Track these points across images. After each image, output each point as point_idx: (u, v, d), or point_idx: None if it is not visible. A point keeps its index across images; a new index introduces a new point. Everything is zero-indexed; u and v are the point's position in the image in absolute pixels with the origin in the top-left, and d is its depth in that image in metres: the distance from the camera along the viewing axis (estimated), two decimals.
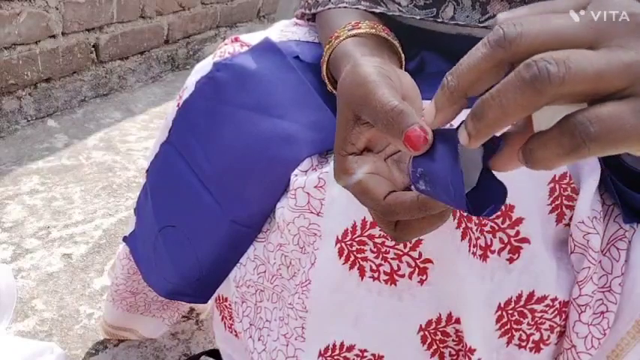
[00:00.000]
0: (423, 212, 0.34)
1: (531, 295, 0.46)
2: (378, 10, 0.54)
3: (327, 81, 0.53)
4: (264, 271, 0.56)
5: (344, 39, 0.49)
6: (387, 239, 0.46)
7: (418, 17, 0.54)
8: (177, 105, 0.61)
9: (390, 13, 0.54)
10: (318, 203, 0.48)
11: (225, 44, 0.62)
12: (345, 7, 0.55)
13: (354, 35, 0.49)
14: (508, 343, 0.47)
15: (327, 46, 0.50)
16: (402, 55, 0.51)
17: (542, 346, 0.48)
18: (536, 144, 0.25)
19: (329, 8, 0.56)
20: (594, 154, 0.24)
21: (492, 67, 0.26)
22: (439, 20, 0.54)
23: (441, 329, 0.48)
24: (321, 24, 0.57)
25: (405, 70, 0.57)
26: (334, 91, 0.53)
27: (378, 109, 0.34)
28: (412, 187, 0.34)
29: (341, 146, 0.38)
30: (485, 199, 0.32)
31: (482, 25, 0.52)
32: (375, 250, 0.46)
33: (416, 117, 0.32)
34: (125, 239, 0.71)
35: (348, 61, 0.45)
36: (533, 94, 0.24)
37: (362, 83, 0.37)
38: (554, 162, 0.25)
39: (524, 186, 0.45)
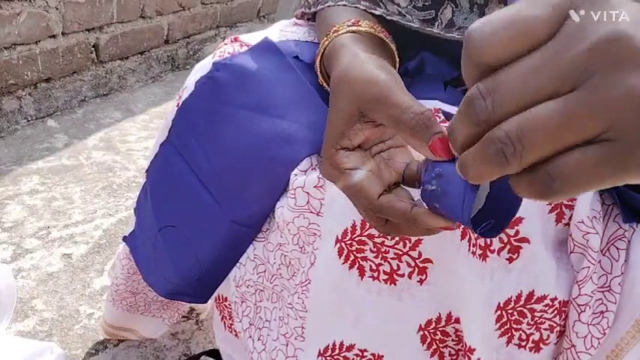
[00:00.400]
0: (411, 224, 0.35)
1: (531, 294, 0.46)
2: (377, 12, 0.54)
3: (318, 73, 0.52)
4: (264, 271, 0.56)
5: (343, 33, 0.48)
6: (387, 239, 0.46)
7: (415, 26, 0.54)
8: (177, 105, 0.61)
9: (389, 18, 0.54)
10: (318, 203, 0.48)
11: (225, 44, 0.62)
12: (344, 4, 0.55)
13: (353, 31, 0.49)
14: (508, 342, 0.47)
15: (325, 39, 0.50)
16: (397, 59, 0.51)
17: (541, 345, 0.48)
18: (513, 182, 0.25)
19: (329, 6, 0.56)
20: (564, 199, 0.24)
21: (475, 137, 0.26)
22: (435, 31, 0.53)
23: (440, 329, 0.48)
24: (319, 21, 0.57)
25: (405, 70, 0.57)
26: (325, 84, 0.53)
27: (403, 110, 0.35)
28: (421, 188, 0.34)
29: (336, 140, 0.39)
30: (488, 218, 0.33)
31: None
32: (374, 249, 0.46)
33: (440, 126, 0.33)
34: (125, 239, 0.71)
35: (345, 53, 0.45)
36: (475, 126, 0.25)
37: (374, 82, 0.37)
38: (481, 177, 0.26)
39: None
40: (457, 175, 0.31)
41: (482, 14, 0.52)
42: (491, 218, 0.33)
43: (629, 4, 0.24)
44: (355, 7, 0.54)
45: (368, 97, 0.37)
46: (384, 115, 0.36)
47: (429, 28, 0.54)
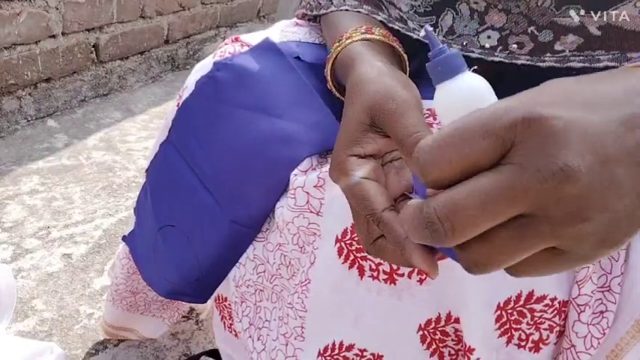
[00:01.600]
0: (398, 251, 0.35)
1: (531, 294, 0.46)
2: (379, 17, 0.54)
3: (328, 78, 0.52)
4: (264, 271, 0.56)
5: (356, 40, 0.48)
6: None
7: (415, 36, 0.54)
8: (178, 104, 0.61)
9: (391, 25, 0.54)
10: (318, 203, 0.48)
11: (226, 44, 0.62)
12: (346, 9, 0.55)
13: (367, 39, 0.49)
14: (507, 342, 0.47)
15: (336, 44, 0.49)
16: (408, 68, 0.51)
17: (541, 345, 0.48)
18: (402, 216, 0.27)
19: (331, 11, 0.56)
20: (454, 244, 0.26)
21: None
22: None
23: (440, 329, 0.48)
24: (326, 26, 0.57)
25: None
26: (333, 89, 0.53)
27: (408, 134, 0.35)
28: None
29: (347, 146, 0.39)
30: None
31: (477, 51, 0.52)
32: None
33: None
34: (124, 239, 0.71)
35: (362, 62, 0.45)
36: (432, 242, 0.26)
37: (392, 97, 0.37)
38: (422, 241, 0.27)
39: None
40: None
41: (482, 22, 0.52)
42: None
43: (576, 110, 0.25)
44: (358, 11, 0.54)
45: (383, 110, 0.37)
46: (391, 132, 0.36)
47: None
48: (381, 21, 0.55)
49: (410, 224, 0.26)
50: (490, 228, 0.25)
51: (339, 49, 0.49)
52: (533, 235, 0.25)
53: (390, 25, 0.54)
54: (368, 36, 0.49)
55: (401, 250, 0.35)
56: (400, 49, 0.51)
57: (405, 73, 0.51)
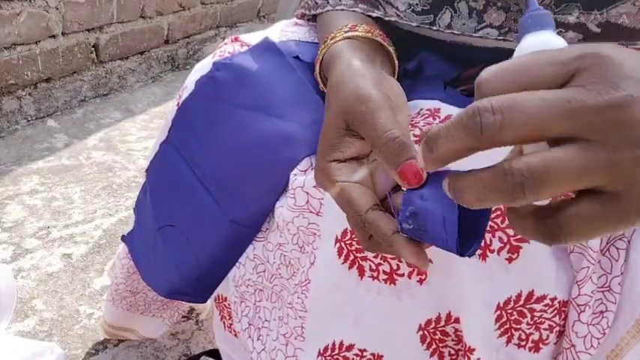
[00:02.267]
0: (391, 250, 0.35)
1: (531, 294, 0.46)
2: (375, 14, 0.54)
3: (319, 80, 0.53)
4: (264, 271, 0.56)
5: (339, 40, 0.48)
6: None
7: (414, 24, 0.54)
8: (177, 104, 0.61)
9: (387, 18, 0.54)
10: (318, 203, 0.48)
11: (225, 44, 0.62)
12: (342, 9, 0.55)
13: (349, 37, 0.49)
14: (507, 342, 0.47)
15: (322, 47, 0.50)
16: (397, 62, 0.51)
17: (541, 345, 0.48)
18: (465, 185, 0.26)
19: (327, 10, 0.56)
20: (532, 201, 0.25)
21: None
22: (434, 28, 0.53)
23: (440, 329, 0.48)
24: (319, 26, 0.57)
25: (404, 70, 0.57)
26: (325, 91, 0.53)
27: (378, 135, 0.35)
28: (398, 226, 0.35)
29: (327, 152, 0.39)
30: (466, 237, 0.33)
31: (477, 35, 0.52)
32: None
33: (414, 151, 0.33)
34: (124, 238, 0.71)
35: (340, 63, 0.45)
36: (473, 140, 0.25)
37: (363, 100, 0.37)
38: (485, 203, 0.26)
39: None
40: (434, 211, 0.32)
41: (480, 20, 0.52)
42: (467, 232, 0.33)
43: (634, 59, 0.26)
44: (353, 10, 0.54)
45: (355, 113, 0.37)
46: (364, 134, 0.37)
47: (427, 27, 0.54)
48: (377, 17, 0.54)
49: (485, 181, 0.25)
50: (537, 139, 0.25)
51: (323, 51, 0.49)
52: (590, 157, 0.24)
53: (387, 18, 0.54)
54: (350, 34, 0.49)
55: (389, 246, 0.35)
56: (387, 44, 0.50)
57: (394, 68, 0.51)
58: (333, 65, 0.46)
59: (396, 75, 0.51)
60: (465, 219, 0.32)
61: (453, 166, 0.29)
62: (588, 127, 0.24)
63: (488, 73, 0.26)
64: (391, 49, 0.50)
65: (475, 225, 0.33)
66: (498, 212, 0.44)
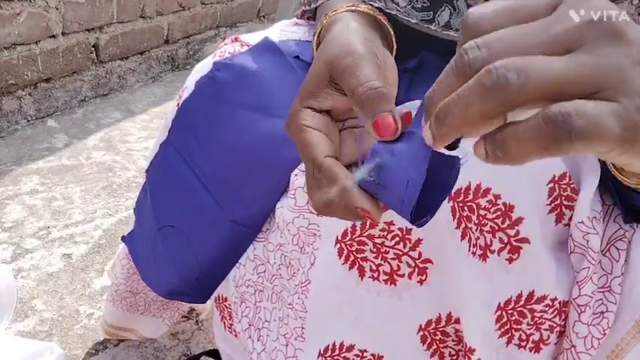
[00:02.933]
0: (342, 197, 0.34)
1: (531, 295, 0.46)
2: (376, 5, 0.54)
3: (315, 53, 0.52)
4: (264, 271, 0.56)
5: (340, 12, 0.48)
6: (387, 239, 0.46)
7: (414, 20, 0.54)
8: (177, 105, 0.61)
9: (387, 11, 0.54)
10: None
11: (226, 44, 0.62)
12: None
13: (351, 11, 0.48)
14: (508, 343, 0.47)
15: (323, 19, 0.49)
16: (395, 44, 0.51)
17: (541, 346, 0.48)
18: (511, 134, 0.24)
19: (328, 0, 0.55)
20: (575, 151, 0.23)
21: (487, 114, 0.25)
22: (433, 27, 0.53)
23: (440, 329, 0.48)
24: (319, 14, 0.56)
25: (405, 68, 0.57)
26: None
27: (359, 83, 0.34)
28: (355, 178, 0.33)
29: (304, 98, 0.38)
30: (421, 207, 0.31)
31: None
32: (374, 250, 0.46)
33: (393, 105, 0.33)
34: (124, 239, 0.71)
35: (338, 24, 0.44)
36: (493, 101, 0.24)
37: (350, 53, 0.37)
38: (529, 155, 0.24)
39: (523, 186, 0.45)
40: (400, 170, 0.30)
41: None
42: (423, 202, 0.31)
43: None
44: None
45: (340, 65, 0.37)
46: (345, 85, 0.36)
47: (426, 25, 0.54)
48: (378, 7, 0.54)
49: (470, 85, 0.25)
50: None
51: (324, 21, 0.48)
52: (574, 64, 0.24)
53: (388, 11, 0.54)
54: (352, 8, 0.48)
55: (343, 194, 0.33)
56: (387, 25, 0.50)
57: (392, 50, 0.50)
58: (331, 28, 0.45)
59: (393, 56, 0.51)
60: (426, 188, 0.31)
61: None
62: (567, 41, 0.24)
63: (479, 13, 0.26)
64: (391, 30, 0.50)
65: (433, 197, 0.32)
66: (498, 213, 0.44)
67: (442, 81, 0.26)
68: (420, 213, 0.31)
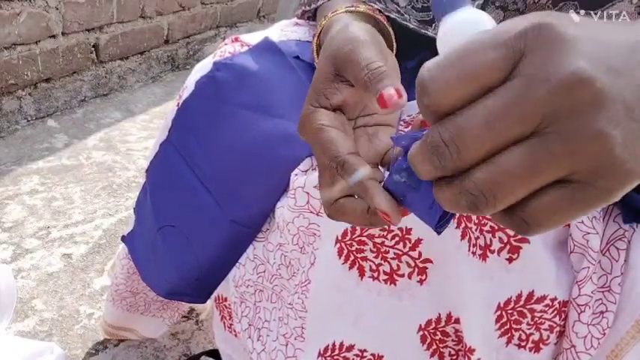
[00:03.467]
0: (361, 195, 0.33)
1: (531, 294, 0.46)
2: (376, 6, 0.54)
3: (315, 55, 0.52)
4: (264, 271, 0.56)
5: (340, 12, 0.48)
6: (387, 239, 0.46)
7: (411, 25, 0.54)
8: (177, 104, 0.61)
9: (387, 14, 0.54)
10: (318, 203, 0.48)
11: (226, 44, 0.62)
12: None
13: (351, 12, 0.48)
14: (508, 343, 0.47)
15: (322, 20, 0.49)
16: (394, 44, 0.51)
17: (541, 345, 0.48)
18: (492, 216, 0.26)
19: (329, 0, 0.56)
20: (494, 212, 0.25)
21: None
22: (430, 34, 0.53)
23: (440, 329, 0.48)
24: (319, 15, 0.56)
25: (405, 68, 0.57)
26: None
27: (362, 67, 0.34)
28: (388, 176, 0.33)
29: (314, 98, 0.38)
30: (444, 214, 0.31)
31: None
32: (374, 249, 0.46)
33: (396, 81, 0.33)
34: (123, 239, 0.71)
35: (338, 24, 0.44)
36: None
37: (351, 40, 0.37)
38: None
39: None
40: None
41: None
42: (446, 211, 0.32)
43: (589, 27, 0.24)
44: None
45: (342, 55, 0.37)
46: (350, 72, 0.36)
47: (424, 30, 0.54)
48: (378, 9, 0.54)
49: (416, 155, 0.25)
50: (498, 151, 0.23)
51: (323, 22, 0.48)
52: (545, 154, 0.23)
53: (387, 14, 0.54)
54: (352, 9, 0.48)
55: (364, 192, 0.33)
56: (387, 25, 0.50)
57: (392, 48, 0.50)
58: (330, 29, 0.45)
59: (395, 44, 0.51)
60: None
61: None
62: (542, 120, 0.23)
63: (429, 71, 0.24)
64: (390, 29, 0.50)
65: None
66: None
67: (420, 158, 0.25)
68: (441, 219, 0.31)
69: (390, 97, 0.32)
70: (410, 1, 0.54)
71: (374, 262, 0.47)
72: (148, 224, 0.64)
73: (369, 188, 0.32)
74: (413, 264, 0.46)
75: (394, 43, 0.51)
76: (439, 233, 0.32)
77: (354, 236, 0.47)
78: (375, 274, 0.47)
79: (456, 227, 0.44)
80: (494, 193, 0.23)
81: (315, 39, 0.51)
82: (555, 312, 0.47)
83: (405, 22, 0.54)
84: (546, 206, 0.24)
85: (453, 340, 0.49)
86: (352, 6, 0.49)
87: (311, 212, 0.49)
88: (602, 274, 0.47)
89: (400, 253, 0.46)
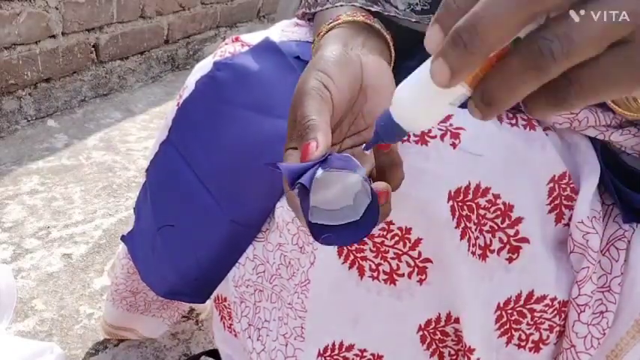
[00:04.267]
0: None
1: (530, 294, 0.46)
2: (374, 9, 0.54)
3: None
4: (264, 271, 0.56)
5: (323, 34, 0.48)
6: (387, 238, 0.46)
7: (413, 20, 0.54)
8: (178, 104, 0.61)
9: (386, 14, 0.54)
10: None
11: (226, 44, 0.62)
12: (342, 4, 0.54)
13: (331, 28, 0.48)
14: (507, 342, 0.47)
15: (313, 45, 0.50)
16: (388, 36, 0.50)
17: (541, 345, 0.48)
18: (493, 79, 0.25)
19: (327, 8, 0.56)
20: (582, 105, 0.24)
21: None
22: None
23: (440, 329, 0.48)
24: (315, 24, 0.57)
25: (405, 67, 0.57)
26: None
27: (298, 122, 0.38)
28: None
29: (288, 140, 0.40)
30: (344, 231, 0.35)
31: None
32: (374, 249, 0.46)
33: (317, 133, 0.35)
34: (123, 238, 0.71)
35: (320, 51, 0.45)
36: (538, 73, 0.24)
37: (299, 93, 0.40)
38: (514, 92, 0.24)
39: (523, 186, 0.45)
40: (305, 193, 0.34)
41: None
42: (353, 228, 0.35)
43: None
44: (352, 5, 0.54)
45: (293, 104, 0.40)
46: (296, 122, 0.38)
47: (426, 22, 0.54)
48: (376, 12, 0.54)
49: (514, 61, 0.24)
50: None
51: (313, 50, 0.50)
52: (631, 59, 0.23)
53: (386, 14, 0.54)
54: (333, 24, 0.49)
55: (298, 216, 0.36)
56: (371, 21, 0.49)
57: (385, 42, 0.50)
58: (316, 52, 0.46)
59: (392, 48, 0.50)
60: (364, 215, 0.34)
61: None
62: None
63: None
64: (377, 25, 0.50)
65: (359, 225, 0.35)
66: (498, 212, 0.44)
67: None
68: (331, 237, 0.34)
69: (311, 150, 0.35)
70: (409, 4, 0.54)
71: (374, 262, 0.47)
72: (148, 224, 0.64)
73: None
74: (413, 264, 0.46)
75: (391, 49, 0.51)
76: (322, 242, 0.35)
77: None
78: (375, 274, 0.47)
79: (456, 227, 0.44)
80: (570, 39, 0.23)
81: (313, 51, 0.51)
82: (555, 312, 0.47)
83: (406, 17, 0.54)
84: (599, 65, 0.23)
85: (452, 340, 0.49)
86: (334, 20, 0.49)
87: None
88: (602, 274, 0.47)
89: (400, 252, 0.46)
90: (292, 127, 0.40)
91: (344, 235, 0.35)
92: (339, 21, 0.49)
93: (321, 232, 0.34)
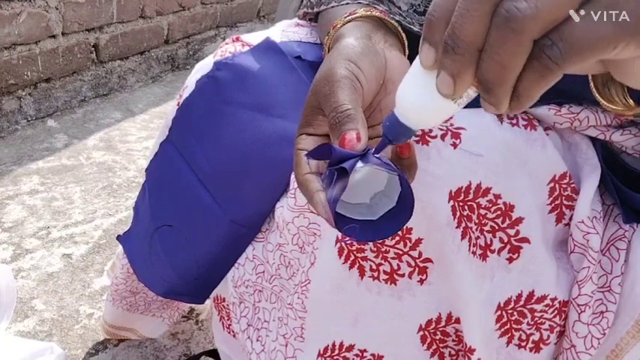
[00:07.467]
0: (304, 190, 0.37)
1: (531, 294, 0.46)
2: (380, 8, 0.54)
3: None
4: (263, 272, 0.56)
5: (340, 26, 0.48)
6: (387, 239, 0.46)
7: (415, 29, 0.53)
8: (178, 104, 0.61)
9: (391, 17, 0.54)
10: None
11: (227, 44, 0.62)
12: (347, 3, 0.54)
13: (349, 21, 0.48)
14: (508, 342, 0.47)
15: (327, 38, 0.49)
16: (403, 34, 0.50)
17: (541, 345, 0.48)
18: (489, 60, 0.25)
19: (332, 7, 0.56)
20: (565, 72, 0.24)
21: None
22: None
23: (440, 329, 0.48)
24: (321, 22, 0.56)
25: None
26: None
27: (332, 109, 0.36)
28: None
29: (302, 125, 0.40)
30: (371, 226, 0.35)
31: None
32: (374, 249, 0.46)
33: (358, 125, 0.35)
34: (119, 238, 0.71)
35: (337, 46, 0.45)
36: (515, 35, 0.24)
37: (329, 81, 0.39)
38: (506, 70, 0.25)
39: (523, 186, 0.45)
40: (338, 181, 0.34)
41: None
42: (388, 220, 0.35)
43: None
44: (359, 2, 0.54)
45: (320, 93, 0.39)
46: (326, 112, 0.38)
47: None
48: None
49: (493, 35, 0.24)
50: None
51: (328, 42, 0.49)
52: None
53: (391, 16, 0.54)
54: (350, 17, 0.48)
55: (303, 186, 0.37)
56: (388, 18, 0.49)
57: (401, 41, 0.50)
58: (333, 46, 0.46)
59: (406, 46, 0.50)
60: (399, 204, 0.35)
61: None
62: None
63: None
64: (393, 22, 0.50)
65: (383, 226, 0.35)
66: (499, 212, 0.44)
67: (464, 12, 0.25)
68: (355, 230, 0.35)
69: (350, 140, 0.34)
70: (412, 5, 0.54)
71: (374, 262, 0.47)
72: (145, 223, 0.64)
73: (305, 182, 0.37)
74: (413, 264, 0.46)
75: (403, 35, 0.50)
76: (341, 232, 0.35)
77: None
78: (376, 274, 0.47)
79: (457, 227, 0.44)
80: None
81: (325, 48, 0.51)
82: (555, 312, 0.47)
83: (409, 26, 0.54)
84: (584, 23, 0.23)
85: (453, 340, 0.49)
86: (350, 14, 0.49)
87: (311, 212, 0.49)
88: (603, 274, 0.47)
89: (400, 252, 0.46)
90: (310, 113, 0.39)
91: (368, 229, 0.35)
92: (357, 14, 0.49)
93: (344, 223, 0.35)
